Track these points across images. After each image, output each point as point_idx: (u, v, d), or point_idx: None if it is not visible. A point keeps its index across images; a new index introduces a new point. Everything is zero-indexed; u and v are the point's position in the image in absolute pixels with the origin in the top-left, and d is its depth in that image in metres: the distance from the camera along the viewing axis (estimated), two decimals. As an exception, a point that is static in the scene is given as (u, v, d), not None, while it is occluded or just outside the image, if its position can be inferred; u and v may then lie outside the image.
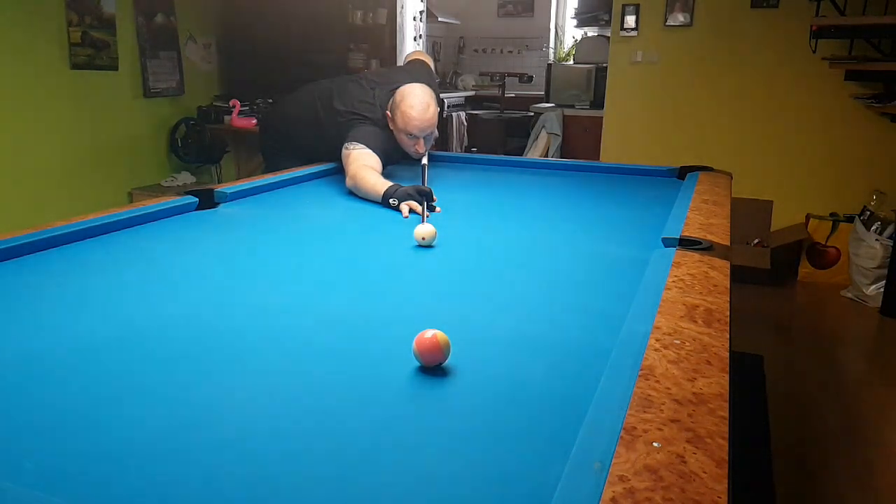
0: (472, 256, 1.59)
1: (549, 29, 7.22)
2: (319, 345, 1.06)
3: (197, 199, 1.92)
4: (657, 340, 0.93)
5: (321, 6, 4.85)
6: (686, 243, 1.45)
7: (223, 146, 4.67)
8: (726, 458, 0.66)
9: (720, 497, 0.60)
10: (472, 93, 6.93)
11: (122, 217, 1.68)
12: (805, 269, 4.06)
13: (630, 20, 4.38)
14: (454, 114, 6.08)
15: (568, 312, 1.22)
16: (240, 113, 4.56)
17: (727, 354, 0.90)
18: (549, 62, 6.53)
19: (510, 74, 6.67)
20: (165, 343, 1.05)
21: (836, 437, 2.40)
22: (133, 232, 1.67)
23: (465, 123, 6.16)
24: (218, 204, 1.98)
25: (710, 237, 1.50)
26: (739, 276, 2.28)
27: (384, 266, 1.52)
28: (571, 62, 6.24)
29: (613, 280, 1.39)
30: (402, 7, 5.09)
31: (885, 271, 3.53)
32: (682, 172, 2.58)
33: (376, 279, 1.42)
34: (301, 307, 1.22)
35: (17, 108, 3.57)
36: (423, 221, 1.67)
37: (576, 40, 6.68)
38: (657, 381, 0.81)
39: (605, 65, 4.72)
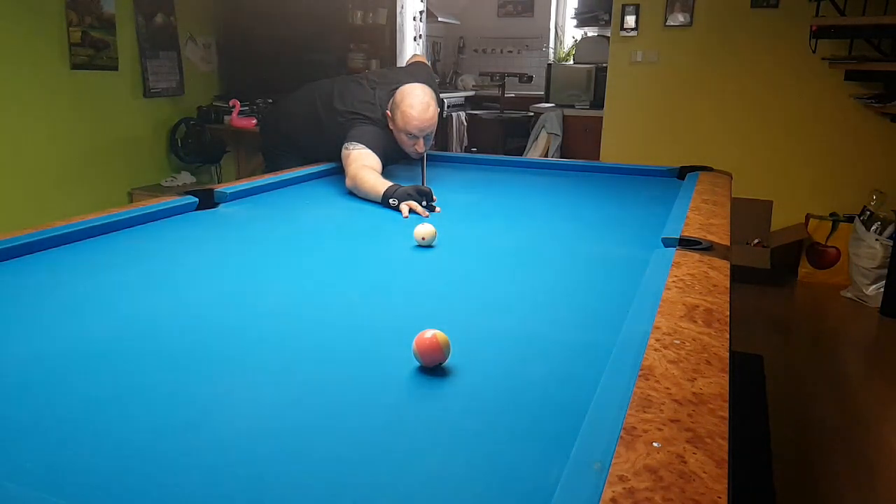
0: (471, 256, 1.59)
1: (549, 29, 7.22)
2: (319, 345, 1.06)
3: (197, 199, 1.92)
4: (657, 340, 0.93)
5: (321, 6, 4.85)
6: (686, 243, 1.45)
7: (223, 146, 4.67)
8: (726, 458, 0.66)
9: (720, 497, 0.60)
10: (472, 93, 6.93)
11: (122, 217, 1.68)
12: (805, 269, 4.06)
13: (630, 20, 4.38)
14: (454, 114, 6.08)
15: (568, 312, 1.22)
16: (240, 113, 4.56)
17: (727, 354, 0.90)
18: (549, 62, 6.54)
19: (510, 74, 6.67)
20: (165, 343, 1.05)
21: (836, 437, 2.40)
22: (133, 232, 1.67)
23: (465, 123, 6.17)
24: (218, 204, 1.98)
25: (710, 237, 1.50)
26: (739, 276, 2.29)
27: (384, 266, 1.52)
28: (571, 62, 6.24)
29: (613, 280, 1.39)
30: (402, 7, 5.09)
31: (885, 271, 3.53)
32: (682, 172, 2.58)
33: (376, 279, 1.42)
34: (301, 307, 1.22)
35: (17, 108, 3.57)
36: (423, 218, 1.67)
37: (576, 40, 6.69)
38: (657, 381, 0.81)
39: (605, 65, 4.72)
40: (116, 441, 0.77)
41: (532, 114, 5.41)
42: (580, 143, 5.04)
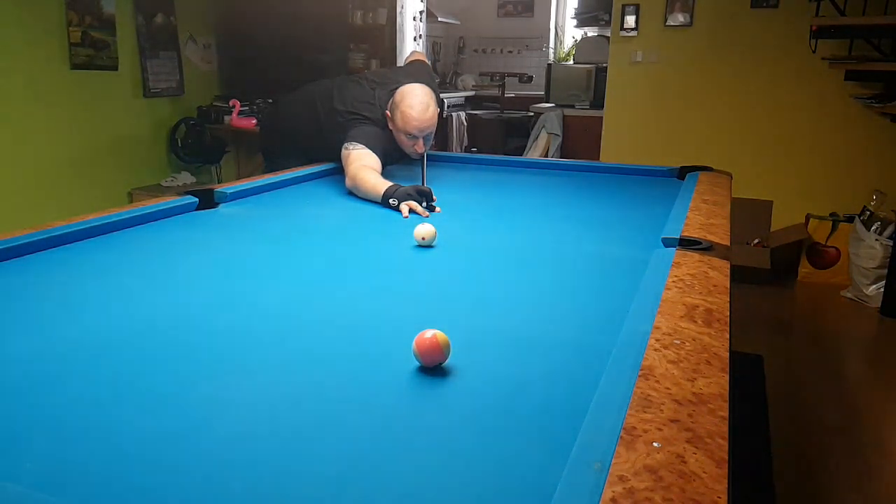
0: (471, 256, 1.59)
1: (549, 29, 7.22)
2: (319, 345, 1.06)
3: (197, 199, 1.92)
4: (657, 340, 0.93)
5: (321, 6, 4.85)
6: (686, 243, 1.45)
7: (223, 146, 4.67)
8: (726, 458, 0.66)
9: (720, 497, 0.60)
10: (472, 93, 6.93)
11: (122, 217, 1.68)
12: (805, 269, 4.06)
13: (630, 20, 4.38)
14: (454, 114, 6.08)
15: (568, 312, 1.22)
16: (240, 113, 4.56)
17: (727, 354, 0.90)
18: (549, 62, 6.54)
19: (510, 74, 6.68)
20: (165, 343, 1.05)
21: (836, 437, 2.40)
22: (133, 232, 1.67)
23: (465, 123, 6.17)
24: (218, 204, 1.98)
25: (710, 237, 1.50)
26: (739, 276, 2.29)
27: (384, 266, 1.52)
28: (571, 62, 6.25)
29: (613, 280, 1.39)
30: (402, 7, 5.09)
31: (885, 271, 3.53)
32: (682, 172, 2.58)
33: (376, 279, 1.42)
34: (301, 307, 1.22)
35: (17, 107, 3.57)
36: (423, 217, 1.67)
37: (576, 40, 6.69)
38: (657, 381, 0.81)
39: (605, 65, 4.72)
40: (116, 441, 0.77)
41: (532, 114, 5.41)
42: (580, 143, 5.04)
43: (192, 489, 0.69)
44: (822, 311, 3.70)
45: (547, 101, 5.46)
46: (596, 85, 5.16)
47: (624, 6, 4.38)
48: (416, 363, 0.96)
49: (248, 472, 0.72)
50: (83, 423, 0.81)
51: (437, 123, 2.35)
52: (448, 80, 7.26)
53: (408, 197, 1.96)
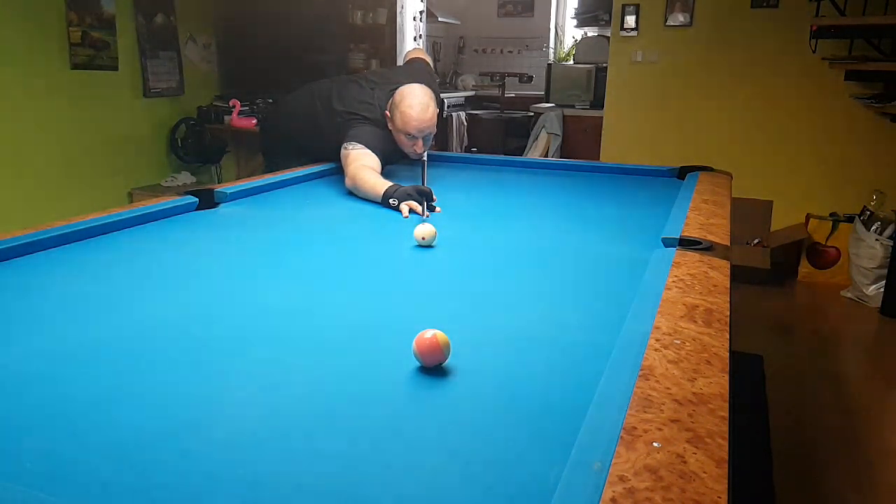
0: (472, 256, 1.59)
1: (549, 29, 7.21)
2: (319, 345, 1.06)
3: (197, 199, 1.92)
4: (657, 340, 0.93)
5: (321, 6, 4.85)
6: (686, 243, 1.45)
7: (223, 146, 4.67)
8: (726, 458, 0.66)
9: (720, 497, 0.60)
10: (472, 93, 6.92)
11: (122, 217, 1.68)
12: (805, 269, 4.06)
13: (630, 20, 4.38)
14: (454, 114, 6.08)
15: (568, 312, 1.22)
16: (240, 113, 4.56)
17: (727, 354, 0.90)
18: (549, 62, 6.54)
19: (510, 74, 6.68)
20: (165, 343, 1.05)
21: (836, 437, 2.40)
22: (133, 232, 1.67)
23: (465, 123, 6.16)
24: (218, 204, 1.98)
25: (710, 237, 1.50)
26: (739, 276, 2.29)
27: (384, 266, 1.52)
28: (571, 62, 6.24)
29: (614, 280, 1.39)
30: (402, 7, 5.09)
31: (885, 271, 3.53)
32: (682, 172, 2.58)
33: (376, 279, 1.42)
34: (301, 307, 1.22)
35: (17, 107, 3.57)
36: (423, 218, 1.66)
37: (576, 40, 6.68)
38: (657, 381, 0.81)
39: (605, 65, 4.72)
40: (116, 441, 0.77)
41: (532, 114, 5.42)
42: (580, 143, 5.04)
43: (192, 489, 0.69)
44: (822, 311, 3.70)
45: (547, 101, 5.46)
46: (596, 85, 5.16)
47: (624, 6, 4.38)
48: (417, 363, 0.96)
49: (248, 472, 0.72)
50: (83, 422, 0.81)
51: (437, 123, 2.35)
52: (448, 80, 7.26)
53: (408, 197, 1.96)
